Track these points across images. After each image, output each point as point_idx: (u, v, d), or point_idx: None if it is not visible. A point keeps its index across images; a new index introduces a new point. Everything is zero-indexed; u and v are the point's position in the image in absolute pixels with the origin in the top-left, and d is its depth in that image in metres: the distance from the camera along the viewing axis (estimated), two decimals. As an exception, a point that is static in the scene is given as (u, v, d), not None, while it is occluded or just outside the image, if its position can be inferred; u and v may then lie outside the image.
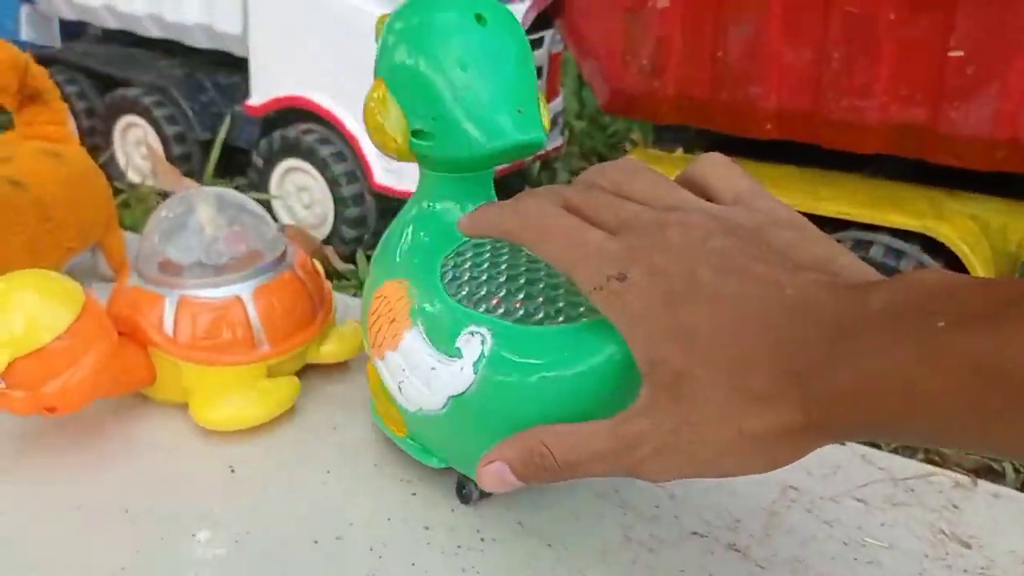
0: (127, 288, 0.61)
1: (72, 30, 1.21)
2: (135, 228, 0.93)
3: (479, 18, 0.44)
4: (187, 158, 1.00)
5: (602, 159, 1.17)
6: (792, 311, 0.31)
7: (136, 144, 1.04)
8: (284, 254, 0.63)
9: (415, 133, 0.45)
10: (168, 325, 0.58)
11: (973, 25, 0.60)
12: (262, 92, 0.92)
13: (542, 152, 0.96)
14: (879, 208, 0.67)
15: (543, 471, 0.38)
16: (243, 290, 0.60)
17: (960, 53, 0.61)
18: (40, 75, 0.75)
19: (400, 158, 0.47)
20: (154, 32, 1.02)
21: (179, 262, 0.60)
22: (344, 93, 0.86)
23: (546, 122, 0.46)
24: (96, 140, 1.06)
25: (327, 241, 0.90)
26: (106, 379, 0.55)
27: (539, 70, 0.93)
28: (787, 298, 0.31)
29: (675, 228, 0.35)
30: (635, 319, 0.34)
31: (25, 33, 1.24)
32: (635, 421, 0.34)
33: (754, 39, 0.66)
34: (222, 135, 0.97)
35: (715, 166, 0.40)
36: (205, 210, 0.61)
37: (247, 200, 0.63)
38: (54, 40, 1.25)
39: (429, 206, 0.50)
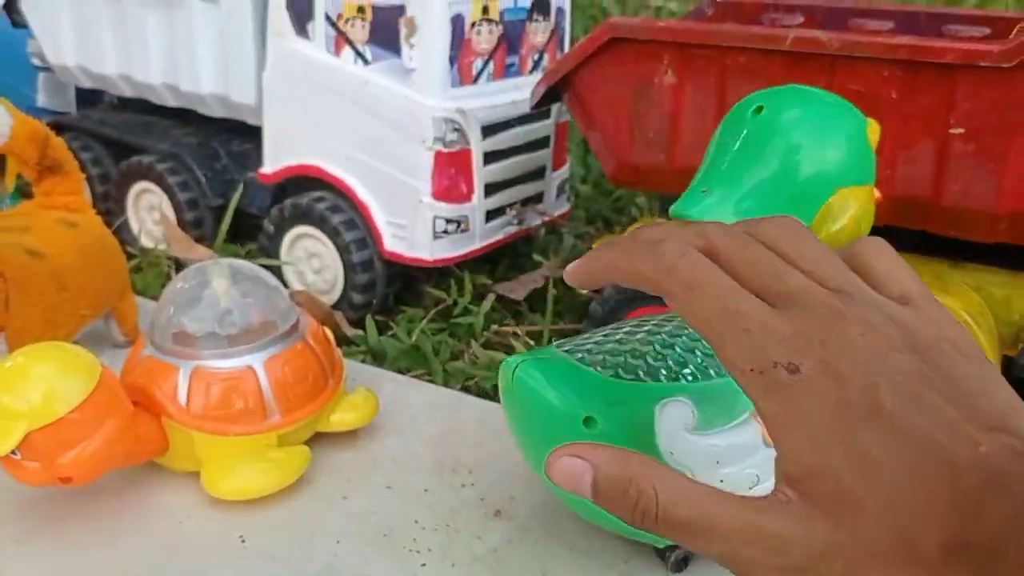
0: (142, 358, 0.62)
1: (87, 97, 1.23)
2: (147, 292, 0.94)
3: (757, 109, 0.51)
4: (199, 223, 1.02)
5: (608, 223, 1.18)
6: (985, 477, 0.28)
7: (149, 210, 1.05)
8: (296, 324, 0.64)
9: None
10: (182, 395, 0.59)
11: (973, 104, 0.62)
12: (274, 160, 0.94)
13: (549, 217, 0.97)
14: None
15: (629, 508, 0.33)
16: (255, 360, 0.61)
17: (961, 130, 0.62)
18: (59, 147, 0.76)
19: None
20: (169, 101, 1.04)
21: (193, 333, 0.61)
22: (355, 163, 0.88)
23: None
24: (110, 205, 1.07)
25: (336, 306, 0.91)
26: (120, 450, 0.56)
27: (546, 140, 0.95)
28: (979, 459, 0.28)
29: (856, 326, 0.31)
30: (799, 418, 0.30)
31: (42, 100, 1.27)
32: (779, 521, 0.30)
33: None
34: (234, 202, 0.99)
35: (881, 253, 0.36)
36: (219, 282, 0.62)
37: (261, 271, 0.65)
38: (70, 106, 1.27)
39: None
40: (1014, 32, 0.63)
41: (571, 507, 0.55)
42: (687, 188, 0.52)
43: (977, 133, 0.62)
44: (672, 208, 0.50)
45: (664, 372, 0.50)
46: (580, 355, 0.51)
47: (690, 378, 0.50)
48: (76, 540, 0.56)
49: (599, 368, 0.50)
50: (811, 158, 0.49)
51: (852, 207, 0.49)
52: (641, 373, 0.49)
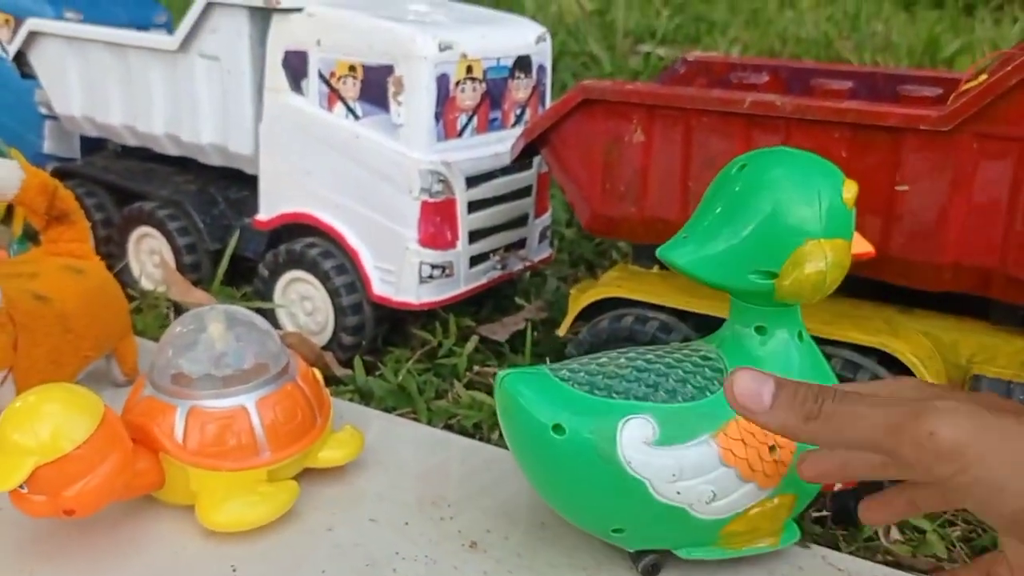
0: (141, 398, 0.66)
1: (91, 144, 1.28)
2: (146, 333, 0.98)
3: (742, 166, 0.57)
4: (197, 267, 1.06)
5: (590, 267, 1.23)
6: None
7: (149, 253, 1.10)
8: (287, 366, 0.69)
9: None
10: (179, 433, 0.63)
11: (916, 163, 0.66)
12: (270, 208, 0.98)
13: (530, 263, 1.02)
14: (839, 325, 0.72)
15: (797, 407, 0.41)
16: (248, 400, 0.65)
17: (905, 187, 0.67)
18: (67, 198, 0.81)
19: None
20: (171, 150, 1.09)
21: (190, 374, 0.65)
22: (345, 211, 0.92)
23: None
24: (112, 249, 1.12)
25: (326, 347, 0.95)
26: (120, 484, 0.60)
27: (528, 189, 0.99)
28: None
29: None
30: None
31: (47, 146, 1.32)
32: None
33: (718, 171, 0.73)
34: (231, 247, 1.03)
35: None
36: (215, 326, 0.67)
37: (255, 316, 0.69)
38: (74, 153, 1.32)
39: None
40: (952, 97, 0.68)
41: (553, 506, 0.62)
42: (670, 236, 0.58)
43: (920, 190, 0.67)
44: (658, 251, 0.58)
45: (635, 394, 0.57)
46: (563, 372, 0.59)
47: (658, 399, 0.57)
48: (77, 569, 0.60)
49: (575, 384, 0.58)
50: (784, 212, 0.54)
51: (821, 258, 0.54)
52: (613, 393, 0.57)
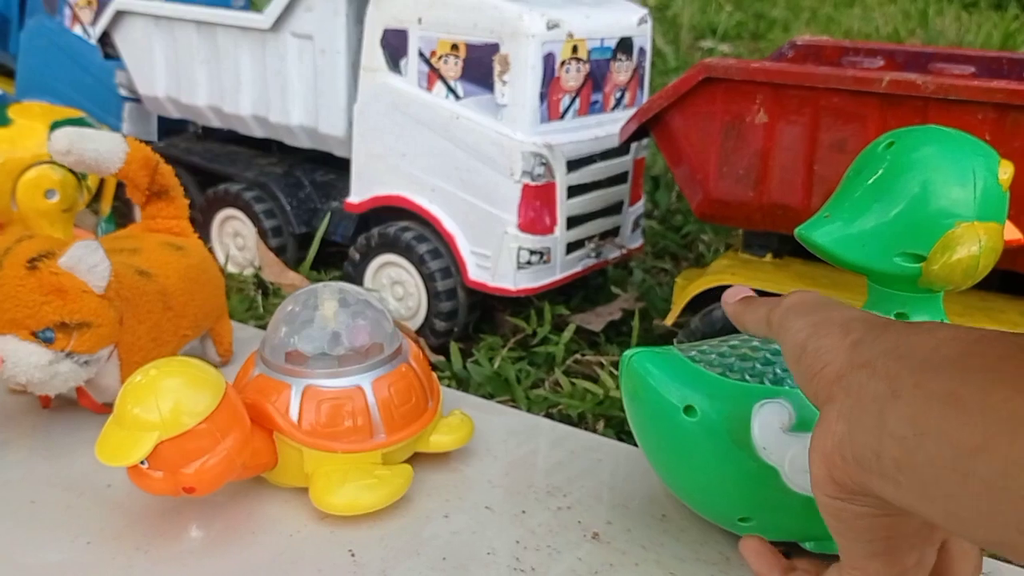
0: (253, 376, 0.64)
1: (169, 126, 1.28)
2: (233, 316, 0.97)
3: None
4: (282, 250, 1.05)
5: (675, 259, 1.20)
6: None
7: (234, 236, 1.08)
8: (400, 347, 0.66)
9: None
10: (294, 412, 0.61)
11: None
12: (362, 191, 0.97)
13: (626, 250, 0.99)
14: (971, 318, 0.68)
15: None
16: (363, 380, 0.63)
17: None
18: (168, 173, 0.80)
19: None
20: (257, 132, 1.08)
21: (305, 352, 0.63)
22: (441, 194, 0.90)
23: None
24: (196, 231, 1.11)
25: (418, 333, 0.93)
26: (239, 463, 0.58)
27: (624, 175, 0.97)
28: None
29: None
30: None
31: (126, 128, 1.31)
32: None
33: (852, 156, 0.70)
34: (322, 230, 1.02)
35: None
36: (330, 305, 0.65)
37: (368, 295, 0.67)
38: (152, 135, 1.32)
39: None
40: (1109, 78, 0.65)
41: (677, 493, 0.59)
42: (791, 223, 0.54)
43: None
44: (796, 230, 0.54)
45: (769, 378, 0.55)
46: (692, 353, 0.56)
47: (792, 385, 0.54)
48: (192, 548, 0.58)
49: (707, 366, 0.55)
50: (935, 192, 0.51)
51: (975, 241, 0.51)
52: (747, 375, 0.55)
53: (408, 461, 0.66)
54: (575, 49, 0.87)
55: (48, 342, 0.62)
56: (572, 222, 0.91)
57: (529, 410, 0.82)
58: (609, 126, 0.87)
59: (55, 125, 0.92)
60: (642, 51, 0.96)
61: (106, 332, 0.65)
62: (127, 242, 0.78)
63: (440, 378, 0.87)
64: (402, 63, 0.90)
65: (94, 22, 1.26)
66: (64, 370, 0.64)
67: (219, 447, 0.56)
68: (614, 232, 0.98)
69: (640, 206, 1.03)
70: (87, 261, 0.64)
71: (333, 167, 1.03)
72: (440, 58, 0.87)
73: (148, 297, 0.73)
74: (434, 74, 0.88)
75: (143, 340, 0.72)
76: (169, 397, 0.55)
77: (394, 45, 0.90)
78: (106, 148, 0.75)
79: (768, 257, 0.80)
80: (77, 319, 0.63)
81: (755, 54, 2.42)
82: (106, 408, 0.68)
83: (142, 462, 0.55)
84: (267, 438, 0.61)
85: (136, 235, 0.80)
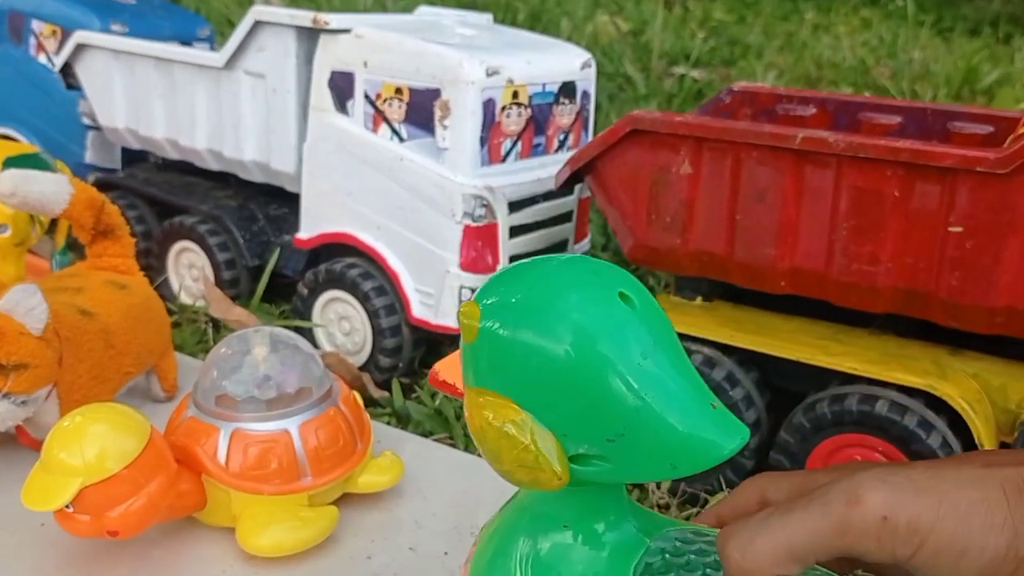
0: (185, 418, 0.66)
1: (132, 155, 1.29)
2: (184, 348, 0.98)
3: (624, 297, 0.36)
4: (235, 283, 1.07)
5: (626, 292, 1.22)
6: None
7: (188, 267, 1.10)
8: (330, 391, 0.68)
9: (575, 459, 0.36)
10: (222, 455, 0.63)
11: (970, 205, 0.66)
12: (311, 227, 0.99)
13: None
14: (886, 365, 0.71)
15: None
16: (291, 424, 0.65)
17: (959, 229, 0.66)
18: (114, 213, 0.82)
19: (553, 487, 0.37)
20: (212, 165, 1.10)
21: (234, 396, 0.65)
22: (387, 232, 0.92)
23: None
24: (151, 262, 1.12)
25: (363, 368, 0.95)
26: (164, 505, 0.60)
27: (569, 215, 0.99)
28: None
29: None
30: None
31: (89, 156, 1.33)
32: None
33: (770, 206, 0.72)
34: (271, 265, 1.04)
35: None
36: (260, 349, 0.67)
37: (299, 340, 0.69)
38: (115, 163, 1.33)
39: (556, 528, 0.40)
40: (1009, 139, 0.67)
41: None
42: (716, 269, 0.54)
43: (974, 232, 0.66)
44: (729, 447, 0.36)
45: None
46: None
47: None
48: (119, 589, 0.60)
49: None
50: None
51: None
52: None
53: (340, 501, 0.68)
54: (515, 94, 0.89)
55: (-15, 384, 0.64)
56: (515, 260, 0.93)
57: (467, 448, 0.84)
58: (552, 168, 0.90)
59: (8, 161, 0.94)
60: (586, 94, 0.99)
61: (44, 372, 0.67)
62: (71, 281, 0.79)
63: (380, 415, 0.89)
64: (349, 104, 0.92)
65: (58, 51, 1.28)
66: (1, 410, 0.65)
67: (143, 491, 0.58)
68: (559, 269, 1.00)
69: (586, 243, 1.06)
70: (25, 304, 0.66)
71: (287, 201, 1.05)
72: (385, 101, 0.90)
73: (89, 336, 0.75)
74: (379, 116, 0.90)
75: (83, 379, 0.73)
76: (94, 443, 0.57)
77: (341, 87, 0.92)
78: (51, 190, 0.77)
79: (698, 300, 0.82)
80: (14, 360, 0.65)
81: (726, 80, 2.46)
82: (43, 446, 0.70)
83: (67, 506, 0.57)
84: (196, 480, 0.63)
85: (81, 273, 0.82)
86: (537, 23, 2.62)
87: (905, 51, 2.73)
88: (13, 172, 0.76)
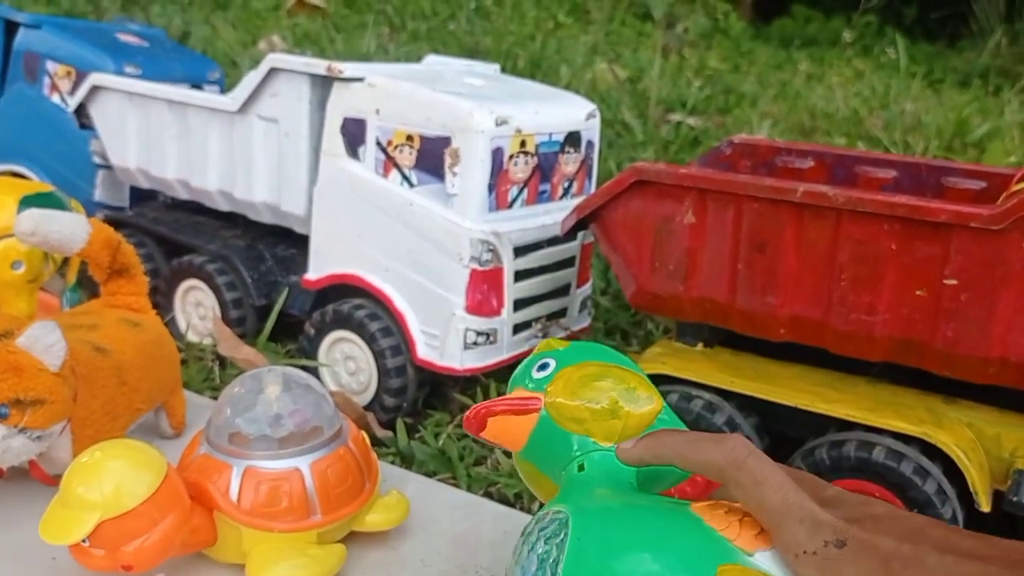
0: (197, 455, 0.67)
1: (140, 194, 1.32)
2: (190, 385, 1.00)
3: None
4: (242, 321, 1.08)
5: (625, 336, 1.24)
6: None
7: (196, 306, 1.12)
8: (340, 430, 0.70)
9: None
10: (234, 492, 0.64)
11: (965, 259, 0.68)
12: (319, 268, 1.01)
13: (571, 332, 1.03)
14: (882, 413, 0.73)
15: None
16: (302, 463, 0.66)
17: (954, 281, 0.68)
18: (129, 253, 0.84)
19: None
20: (223, 206, 1.12)
21: (247, 434, 0.67)
22: (394, 275, 0.94)
23: None
24: (159, 300, 1.14)
25: (368, 407, 0.97)
26: (178, 541, 0.61)
27: (572, 260, 1.01)
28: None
29: (881, 506, 0.41)
30: None
31: (99, 194, 1.35)
32: None
33: (770, 256, 0.74)
34: (279, 304, 1.05)
35: None
36: (273, 388, 0.68)
37: (311, 379, 0.70)
38: (124, 201, 1.36)
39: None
40: (1003, 196, 0.70)
41: None
42: (717, 315, 0.57)
43: (968, 285, 0.68)
44: None
45: None
46: None
47: None
48: (130, 623, 0.61)
49: None
50: None
51: None
52: None
53: (347, 539, 0.69)
54: (523, 143, 0.92)
55: (3, 417, 0.65)
56: (519, 304, 0.95)
57: (469, 488, 0.85)
58: (557, 214, 0.92)
59: (24, 200, 0.96)
60: (590, 143, 1.02)
61: (59, 408, 0.69)
62: (86, 318, 0.81)
63: (385, 455, 0.90)
64: (360, 150, 0.94)
65: (72, 91, 1.31)
66: (17, 444, 0.66)
67: (158, 527, 0.59)
68: (561, 313, 1.02)
69: (588, 288, 1.08)
70: (44, 341, 0.68)
71: (295, 242, 1.07)
72: (396, 147, 0.92)
73: (103, 373, 0.76)
74: (390, 162, 0.93)
75: (96, 415, 0.75)
76: (112, 479, 0.58)
77: (353, 133, 0.94)
78: (70, 230, 0.79)
79: (699, 346, 0.84)
80: (32, 396, 0.66)
81: (721, 128, 2.49)
82: (56, 480, 0.71)
83: (84, 540, 0.58)
84: (207, 516, 0.64)
85: (96, 311, 0.83)
86: (537, 70, 2.67)
87: (897, 102, 2.78)
88: (34, 212, 0.77)
